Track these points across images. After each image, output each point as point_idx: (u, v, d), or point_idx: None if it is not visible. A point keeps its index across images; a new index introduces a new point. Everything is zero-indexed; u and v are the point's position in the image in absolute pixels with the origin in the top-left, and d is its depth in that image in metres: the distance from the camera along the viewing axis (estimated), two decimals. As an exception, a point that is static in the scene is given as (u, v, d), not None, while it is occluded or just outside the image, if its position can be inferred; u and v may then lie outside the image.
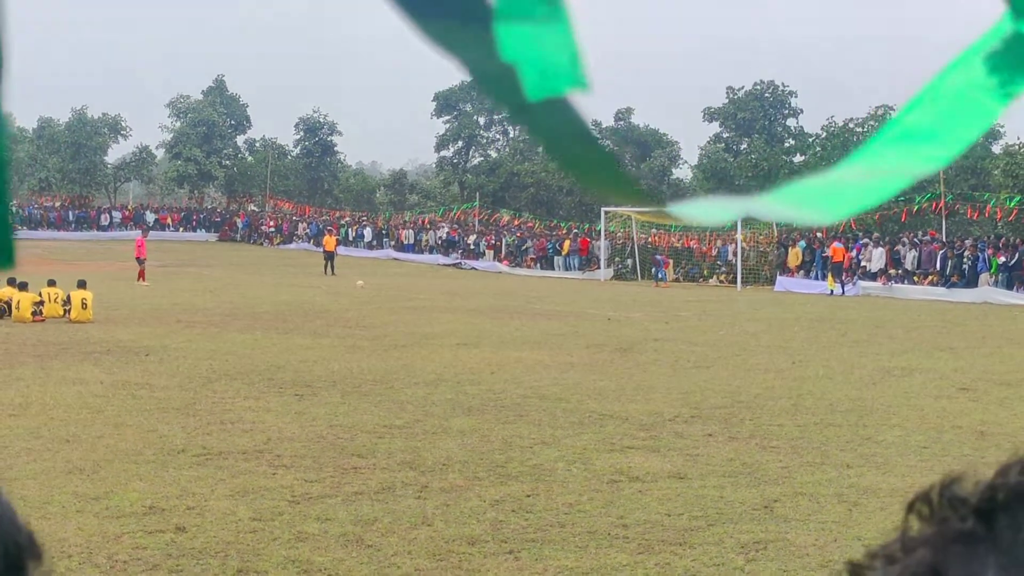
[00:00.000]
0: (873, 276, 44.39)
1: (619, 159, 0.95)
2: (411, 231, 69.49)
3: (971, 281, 41.10)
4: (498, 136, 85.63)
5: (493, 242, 62.83)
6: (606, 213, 54.79)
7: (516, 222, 67.79)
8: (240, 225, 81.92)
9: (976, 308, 35.24)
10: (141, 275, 39.49)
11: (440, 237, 66.83)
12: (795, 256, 48.56)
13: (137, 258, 40.53)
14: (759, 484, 9.99)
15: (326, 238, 53.65)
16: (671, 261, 52.45)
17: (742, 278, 48.06)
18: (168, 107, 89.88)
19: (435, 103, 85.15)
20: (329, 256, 49.98)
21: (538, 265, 58.20)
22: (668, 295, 40.69)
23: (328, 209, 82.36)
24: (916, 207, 48.92)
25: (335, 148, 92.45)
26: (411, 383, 16.00)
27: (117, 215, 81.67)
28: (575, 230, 60.26)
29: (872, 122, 67.82)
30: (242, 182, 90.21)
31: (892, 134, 1.28)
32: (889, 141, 1.28)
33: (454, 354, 19.63)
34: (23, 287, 25.18)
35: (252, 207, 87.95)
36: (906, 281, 43.32)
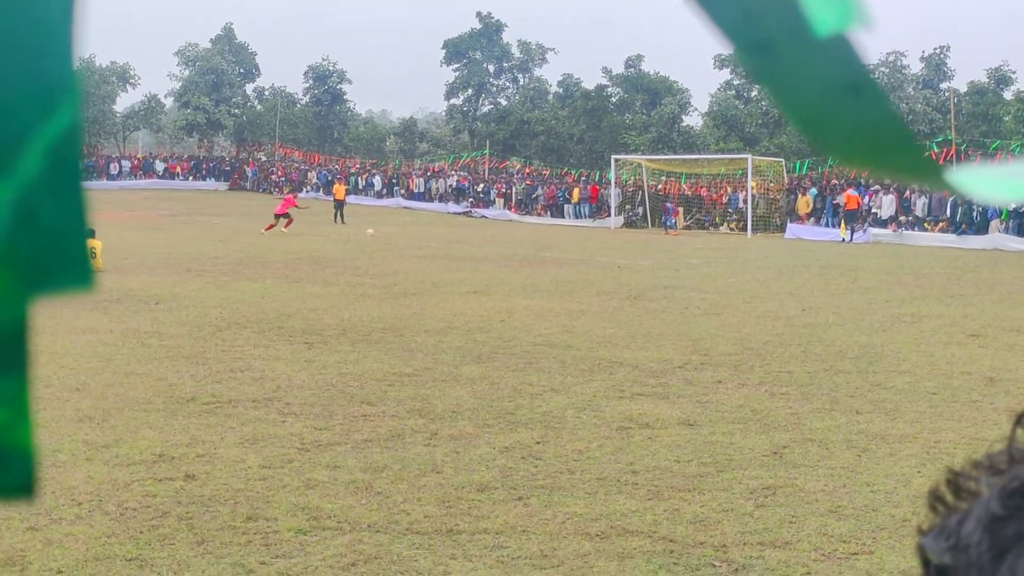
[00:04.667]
0: (883, 223, 44.23)
1: (903, 119, 0.67)
2: (421, 179, 69.34)
3: (981, 228, 40.97)
4: (508, 84, 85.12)
5: (503, 190, 62.69)
6: (616, 160, 54.63)
7: (527, 170, 67.58)
8: (250, 174, 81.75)
9: (986, 255, 35.14)
10: (271, 228, 39.66)
11: (450, 185, 66.67)
12: (805, 203, 48.44)
13: (278, 214, 40.49)
14: (768, 430, 10.00)
15: (336, 186, 53.57)
16: (680, 210, 52.34)
17: (752, 225, 47.93)
18: (177, 55, 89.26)
19: (444, 51, 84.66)
20: (339, 205, 49.90)
21: (548, 213, 58.11)
22: (678, 243, 40.64)
23: (338, 157, 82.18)
24: (927, 153, 48.70)
25: (344, 96, 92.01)
26: (421, 331, 16.00)
27: (126, 164, 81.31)
28: (585, 178, 60.08)
29: (884, 68, 67.36)
30: (251, 131, 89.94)
31: None
32: None
33: (464, 302, 19.63)
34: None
35: (261, 156, 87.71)
36: (916, 228, 43.18)
